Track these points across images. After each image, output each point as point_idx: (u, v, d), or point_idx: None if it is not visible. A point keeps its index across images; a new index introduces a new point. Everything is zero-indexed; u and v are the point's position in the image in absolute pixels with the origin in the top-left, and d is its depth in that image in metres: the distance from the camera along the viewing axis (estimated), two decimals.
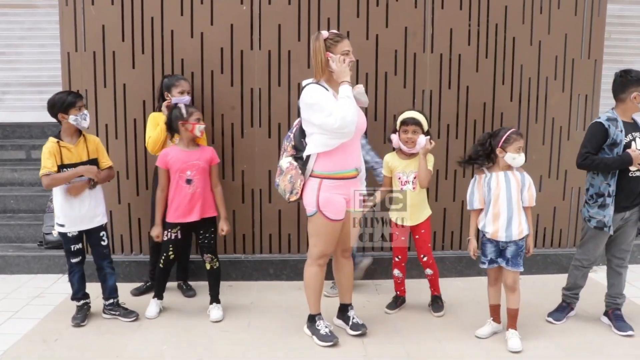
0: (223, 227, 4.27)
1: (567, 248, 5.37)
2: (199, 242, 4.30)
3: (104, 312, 4.26)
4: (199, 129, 4.12)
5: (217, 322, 4.18)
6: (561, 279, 4.41)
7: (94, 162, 4.11)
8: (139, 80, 4.90)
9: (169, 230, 4.17)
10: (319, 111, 3.50)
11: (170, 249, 4.21)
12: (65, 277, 5.01)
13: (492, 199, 3.79)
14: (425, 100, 5.11)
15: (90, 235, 4.20)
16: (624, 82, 3.96)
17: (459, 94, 5.14)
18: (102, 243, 4.22)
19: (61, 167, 3.98)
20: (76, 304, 4.21)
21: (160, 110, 4.54)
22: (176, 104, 4.31)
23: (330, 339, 3.80)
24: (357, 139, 3.74)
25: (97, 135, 4.84)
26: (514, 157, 3.71)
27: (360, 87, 3.70)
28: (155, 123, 4.50)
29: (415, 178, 4.17)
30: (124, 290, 4.67)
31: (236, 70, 4.96)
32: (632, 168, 3.90)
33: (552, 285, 4.44)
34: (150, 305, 4.30)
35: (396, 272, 4.44)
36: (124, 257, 5.06)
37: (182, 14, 4.88)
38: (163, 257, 4.23)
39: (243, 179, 5.06)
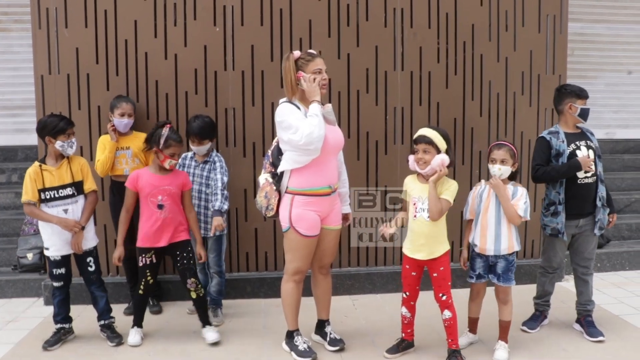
0: (200, 253, 4.21)
1: (539, 259, 5.44)
2: (177, 267, 4.18)
3: (101, 332, 4.26)
4: (169, 163, 4.03)
5: (215, 343, 4.10)
6: (534, 289, 4.50)
7: (78, 184, 4.08)
8: None
9: (143, 255, 4.09)
10: (286, 129, 3.58)
11: (148, 273, 4.12)
12: (41, 300, 5.03)
13: (482, 210, 3.80)
14: (397, 116, 5.21)
15: (79, 260, 4.17)
16: (560, 95, 4.23)
17: (430, 110, 5.26)
18: (89, 269, 4.16)
19: (42, 190, 3.96)
20: (54, 326, 4.16)
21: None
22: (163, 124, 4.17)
23: (309, 355, 3.82)
24: (332, 156, 3.78)
25: None
26: (491, 168, 3.77)
27: (329, 107, 3.73)
28: (103, 146, 4.57)
29: None
30: (116, 311, 4.65)
31: (210, 90, 5.02)
32: (579, 175, 4.06)
33: (526, 295, 4.52)
34: (130, 334, 4.16)
35: (404, 310, 3.91)
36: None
37: (155, 36, 4.93)
38: (142, 283, 4.13)
39: None
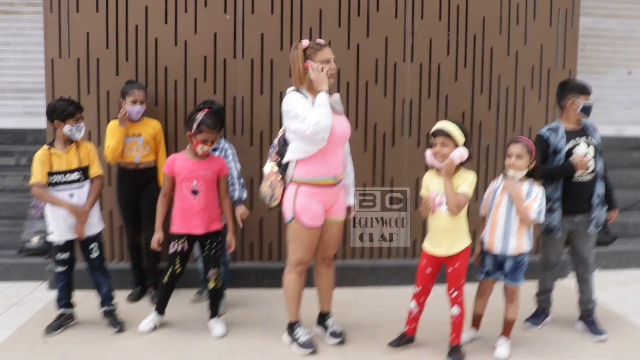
0: (231, 243, 4.15)
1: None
2: (204, 255, 4.16)
3: (103, 318, 4.27)
4: (200, 149, 3.97)
5: (222, 337, 4.10)
6: (536, 285, 4.49)
7: (85, 169, 4.09)
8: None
9: (176, 241, 4.05)
10: (294, 118, 3.57)
11: (177, 261, 4.07)
12: (44, 284, 5.06)
13: (494, 207, 3.78)
14: (406, 109, 5.20)
15: (83, 246, 4.17)
16: (563, 90, 4.19)
17: (439, 103, 5.24)
18: (92, 256, 4.17)
19: (50, 174, 3.97)
20: (57, 312, 4.19)
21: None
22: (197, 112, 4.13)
23: (309, 347, 3.84)
24: (338, 147, 3.76)
25: None
26: (506, 163, 3.75)
27: (337, 96, 3.71)
28: (113, 132, 4.56)
29: None
30: (120, 298, 4.68)
31: (219, 78, 5.02)
32: (577, 173, 4.05)
33: (528, 292, 4.50)
34: (147, 318, 4.16)
35: (412, 304, 3.87)
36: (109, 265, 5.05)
37: (166, 23, 4.93)
38: (169, 271, 4.09)
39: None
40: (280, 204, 3.77)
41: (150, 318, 4.18)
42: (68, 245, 4.13)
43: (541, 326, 4.34)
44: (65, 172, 4.02)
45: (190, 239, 4.08)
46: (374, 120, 5.15)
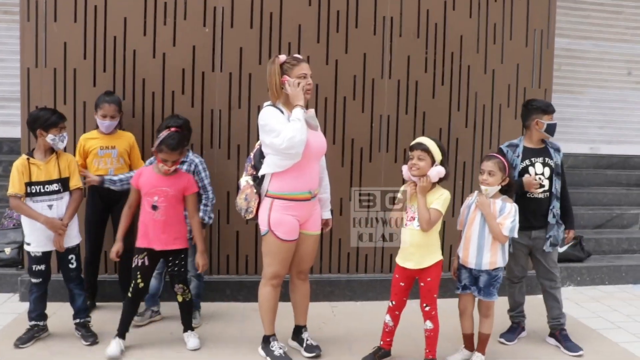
0: (199, 261, 4.07)
1: None
2: (169, 271, 4.09)
3: (75, 330, 4.19)
4: (161, 167, 3.93)
5: (195, 350, 4.04)
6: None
7: (64, 181, 4.02)
8: None
9: (136, 256, 3.96)
10: (269, 132, 3.58)
11: (138, 275, 3.95)
12: (16, 296, 4.97)
13: (467, 222, 3.81)
14: (383, 125, 5.23)
15: (60, 257, 4.10)
16: (527, 110, 4.28)
17: (416, 119, 5.28)
18: (70, 266, 4.09)
19: (29, 184, 3.91)
20: (28, 323, 4.10)
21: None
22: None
23: None
24: (314, 162, 3.77)
25: None
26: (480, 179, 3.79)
27: (311, 112, 3.72)
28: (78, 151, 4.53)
29: None
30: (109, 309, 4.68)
31: (197, 91, 5.01)
32: (533, 190, 4.12)
33: (503, 307, 4.53)
34: (110, 344, 3.90)
35: (387, 318, 3.86)
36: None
37: (144, 34, 4.92)
38: (132, 286, 3.96)
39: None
40: (255, 217, 3.76)
41: (115, 343, 3.92)
42: (45, 257, 4.05)
43: (516, 341, 4.36)
44: (44, 183, 3.95)
45: (153, 254, 3.98)
46: (352, 136, 5.17)
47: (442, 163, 3.65)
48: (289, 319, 4.13)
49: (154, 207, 3.92)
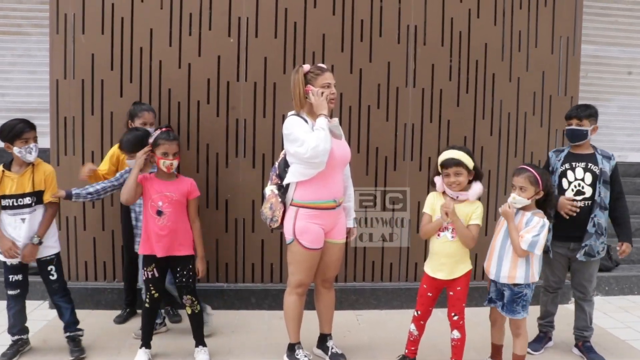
0: (198, 267, 3.99)
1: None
2: (176, 282, 3.99)
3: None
4: (163, 164, 3.83)
5: None
6: (538, 310, 4.47)
7: (38, 194, 3.88)
8: (126, 109, 4.89)
9: (145, 269, 3.91)
10: (293, 141, 3.60)
11: (151, 287, 3.91)
12: (46, 303, 5.01)
13: (495, 232, 3.76)
14: (407, 133, 5.22)
15: (40, 268, 3.97)
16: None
17: (440, 127, 5.26)
18: (51, 277, 3.96)
19: (2, 197, 3.81)
20: (11, 338, 3.98)
21: None
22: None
23: None
24: (338, 171, 3.78)
25: (83, 162, 4.90)
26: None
27: (335, 121, 3.73)
28: (111, 157, 4.48)
29: None
30: (109, 317, 4.71)
31: (222, 101, 5.05)
32: (567, 211, 4.04)
33: (531, 316, 4.45)
34: (138, 355, 3.93)
35: (412, 327, 3.85)
36: (107, 285, 5.06)
37: (170, 45, 4.98)
38: (147, 296, 3.93)
39: (227, 208, 5.11)
40: (280, 226, 3.77)
41: (142, 353, 3.95)
42: (22, 267, 3.91)
43: (542, 351, 4.31)
44: (16, 197, 3.81)
45: (159, 264, 3.90)
46: (376, 144, 5.17)
47: (475, 169, 3.65)
48: (314, 327, 4.12)
49: (159, 213, 3.84)
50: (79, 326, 4.12)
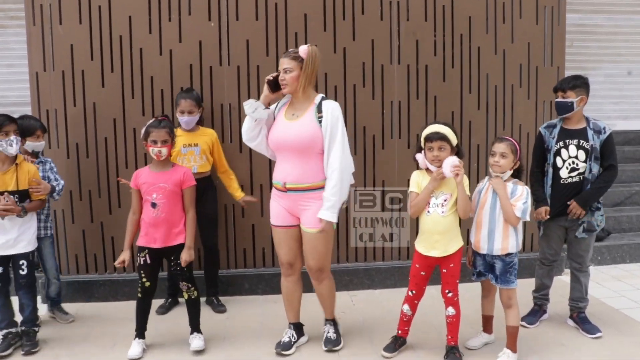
0: (183, 256, 3.87)
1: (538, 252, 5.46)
2: (171, 270, 4.01)
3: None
4: (152, 152, 3.84)
5: (198, 351, 3.92)
6: (533, 283, 4.47)
7: (22, 193, 3.90)
8: (108, 99, 4.90)
9: (138, 255, 3.89)
10: None
11: (142, 274, 3.89)
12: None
13: (478, 207, 3.71)
14: (394, 110, 5.18)
15: (13, 262, 3.96)
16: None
17: (427, 104, 5.22)
18: (21, 272, 3.93)
19: None
20: (0, 334, 3.97)
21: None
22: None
23: (279, 346, 3.91)
24: (287, 155, 3.70)
25: (68, 155, 4.87)
26: (490, 161, 3.67)
27: (247, 102, 3.73)
28: None
29: (445, 201, 3.62)
30: (102, 310, 4.67)
31: (206, 86, 4.99)
32: (562, 175, 4.08)
33: (525, 289, 4.46)
34: (132, 345, 3.91)
35: (405, 307, 3.84)
36: (98, 277, 5.03)
37: (150, 32, 4.90)
38: (139, 286, 3.90)
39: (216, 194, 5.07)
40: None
41: (136, 344, 3.93)
42: (2, 260, 3.92)
43: (538, 324, 4.32)
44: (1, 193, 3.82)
45: (154, 252, 3.89)
46: (363, 123, 5.13)
47: (457, 147, 3.64)
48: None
49: (153, 205, 3.84)
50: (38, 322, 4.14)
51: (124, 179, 4.44)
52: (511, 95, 5.35)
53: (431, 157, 3.58)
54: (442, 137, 3.55)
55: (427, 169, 3.67)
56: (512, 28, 5.28)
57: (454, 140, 3.59)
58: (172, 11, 4.90)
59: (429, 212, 3.65)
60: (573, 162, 4.06)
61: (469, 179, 3.72)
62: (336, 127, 3.61)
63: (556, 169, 4.11)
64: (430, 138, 3.58)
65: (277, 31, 4.99)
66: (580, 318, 4.21)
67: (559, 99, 4.08)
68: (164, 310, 4.73)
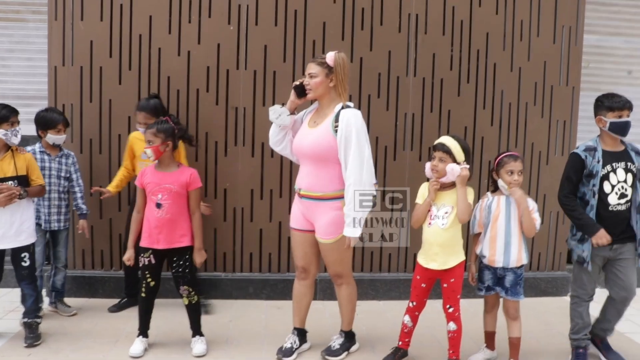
0: (195, 259, 3.91)
1: (546, 272, 5.44)
2: (173, 272, 3.93)
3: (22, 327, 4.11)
4: (145, 152, 3.86)
5: (200, 357, 3.90)
6: (538, 303, 4.44)
7: (22, 178, 3.92)
8: (124, 96, 4.94)
9: (142, 255, 3.87)
10: None
11: (147, 275, 3.89)
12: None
13: (491, 221, 3.68)
14: (408, 123, 5.19)
15: (13, 255, 3.99)
16: (594, 107, 3.90)
17: (441, 117, 5.23)
18: (23, 264, 3.97)
19: None
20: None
21: None
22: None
23: (279, 353, 3.91)
24: (304, 161, 3.77)
25: (81, 150, 4.91)
26: (506, 179, 3.61)
27: (272, 108, 3.78)
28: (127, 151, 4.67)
29: (446, 213, 3.60)
30: (106, 306, 4.71)
31: (222, 88, 5.02)
32: (611, 201, 3.71)
33: (530, 309, 4.43)
34: (134, 343, 3.92)
35: (406, 318, 3.81)
36: (104, 273, 5.06)
37: (169, 32, 4.94)
38: (143, 285, 3.91)
39: (225, 197, 5.09)
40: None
41: (138, 342, 3.95)
42: None
43: None
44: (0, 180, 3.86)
45: (157, 252, 3.88)
46: (376, 134, 5.14)
47: (467, 162, 3.62)
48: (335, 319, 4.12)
49: (158, 205, 3.81)
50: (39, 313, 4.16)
51: (97, 187, 4.60)
52: (525, 113, 5.35)
53: (431, 166, 3.66)
54: (446, 150, 3.58)
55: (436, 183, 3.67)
56: (529, 46, 5.29)
57: (458, 155, 3.57)
58: (192, 13, 4.94)
59: (430, 224, 3.66)
60: (622, 187, 3.72)
61: (478, 195, 3.72)
62: (349, 137, 3.54)
63: (603, 195, 3.72)
64: (435, 147, 3.66)
65: (295, 38, 5.02)
66: (604, 345, 4.01)
67: (625, 119, 3.74)
68: (116, 309, 4.73)
